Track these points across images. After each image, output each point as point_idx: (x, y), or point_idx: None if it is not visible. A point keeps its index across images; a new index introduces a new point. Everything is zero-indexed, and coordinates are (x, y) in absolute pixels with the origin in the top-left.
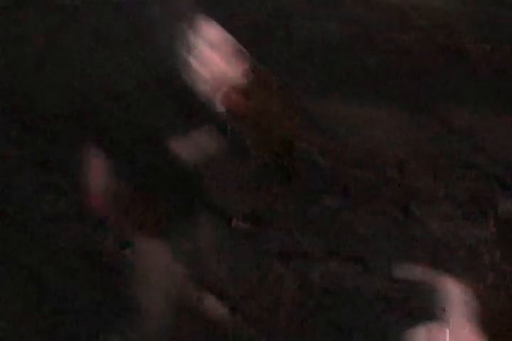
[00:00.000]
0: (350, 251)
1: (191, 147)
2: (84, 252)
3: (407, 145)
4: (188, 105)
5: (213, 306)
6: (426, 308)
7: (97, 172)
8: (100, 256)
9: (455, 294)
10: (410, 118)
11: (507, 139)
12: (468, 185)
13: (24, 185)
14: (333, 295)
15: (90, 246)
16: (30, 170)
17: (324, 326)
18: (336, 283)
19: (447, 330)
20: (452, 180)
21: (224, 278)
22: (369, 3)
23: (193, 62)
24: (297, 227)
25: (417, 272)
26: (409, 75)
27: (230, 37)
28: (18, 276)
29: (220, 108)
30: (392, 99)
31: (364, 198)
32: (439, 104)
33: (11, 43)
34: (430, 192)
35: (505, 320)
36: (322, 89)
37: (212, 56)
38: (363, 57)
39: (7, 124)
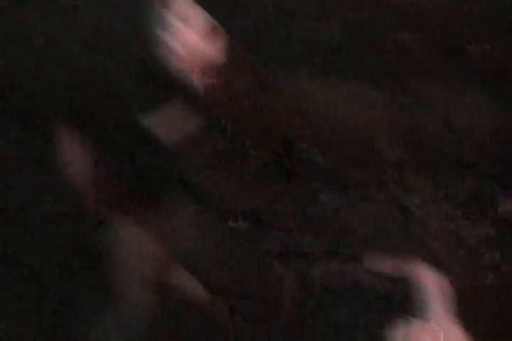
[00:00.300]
0: (350, 250)
1: (167, 124)
2: (85, 252)
3: (407, 145)
4: (164, 83)
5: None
6: (411, 305)
7: (74, 152)
8: (100, 256)
9: (432, 286)
10: (411, 119)
11: (507, 139)
12: (468, 185)
13: (24, 185)
14: (333, 295)
15: (90, 246)
16: (30, 170)
17: (324, 326)
18: (336, 283)
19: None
20: (452, 180)
21: (224, 277)
22: (369, 3)
23: (168, 38)
24: (297, 227)
25: (387, 264)
26: (409, 75)
27: (204, 12)
28: (18, 276)
29: (198, 86)
30: (392, 99)
31: (364, 198)
32: (439, 104)
33: (11, 43)
34: (430, 192)
35: (506, 320)
36: (321, 89)
37: (187, 32)
38: (362, 57)
39: (7, 124)
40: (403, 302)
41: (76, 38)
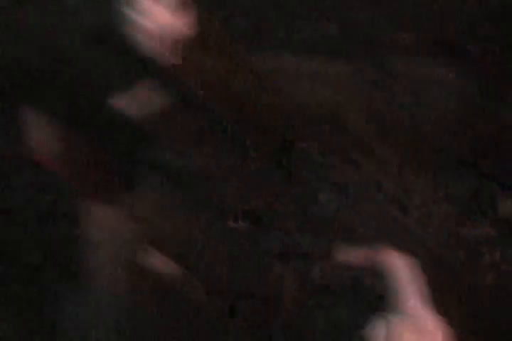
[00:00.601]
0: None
1: (137, 104)
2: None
3: (406, 144)
4: (134, 61)
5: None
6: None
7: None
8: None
9: (404, 276)
10: (411, 118)
11: (507, 139)
12: (468, 185)
13: (24, 185)
14: (333, 295)
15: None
16: (30, 170)
17: (324, 326)
18: (336, 283)
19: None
20: (452, 180)
21: (223, 277)
22: (369, 2)
23: (135, 15)
24: (297, 227)
25: (360, 255)
26: (408, 75)
27: None
28: (18, 276)
29: (168, 62)
30: (392, 99)
31: (364, 198)
32: (439, 103)
33: (11, 43)
34: (430, 192)
35: (505, 320)
36: (321, 89)
37: (154, 7)
38: (362, 57)
39: (7, 124)
40: (381, 298)
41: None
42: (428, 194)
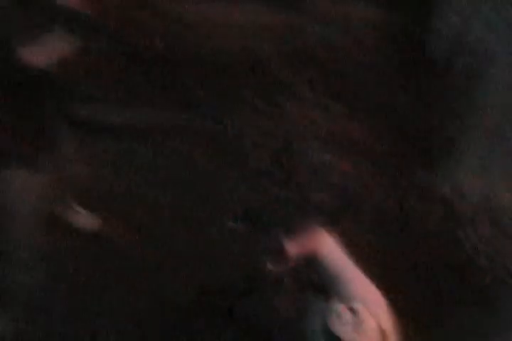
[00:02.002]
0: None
1: (44, 53)
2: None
3: (406, 143)
4: (42, 11)
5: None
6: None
7: None
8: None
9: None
10: (411, 118)
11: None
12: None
13: None
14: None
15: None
16: None
17: (323, 326)
18: None
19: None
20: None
21: (223, 277)
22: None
23: None
24: (297, 227)
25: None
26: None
27: None
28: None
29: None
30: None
31: (363, 197)
32: (438, 103)
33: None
34: (429, 191)
35: (505, 316)
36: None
37: None
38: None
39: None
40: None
41: None
42: (426, 192)
